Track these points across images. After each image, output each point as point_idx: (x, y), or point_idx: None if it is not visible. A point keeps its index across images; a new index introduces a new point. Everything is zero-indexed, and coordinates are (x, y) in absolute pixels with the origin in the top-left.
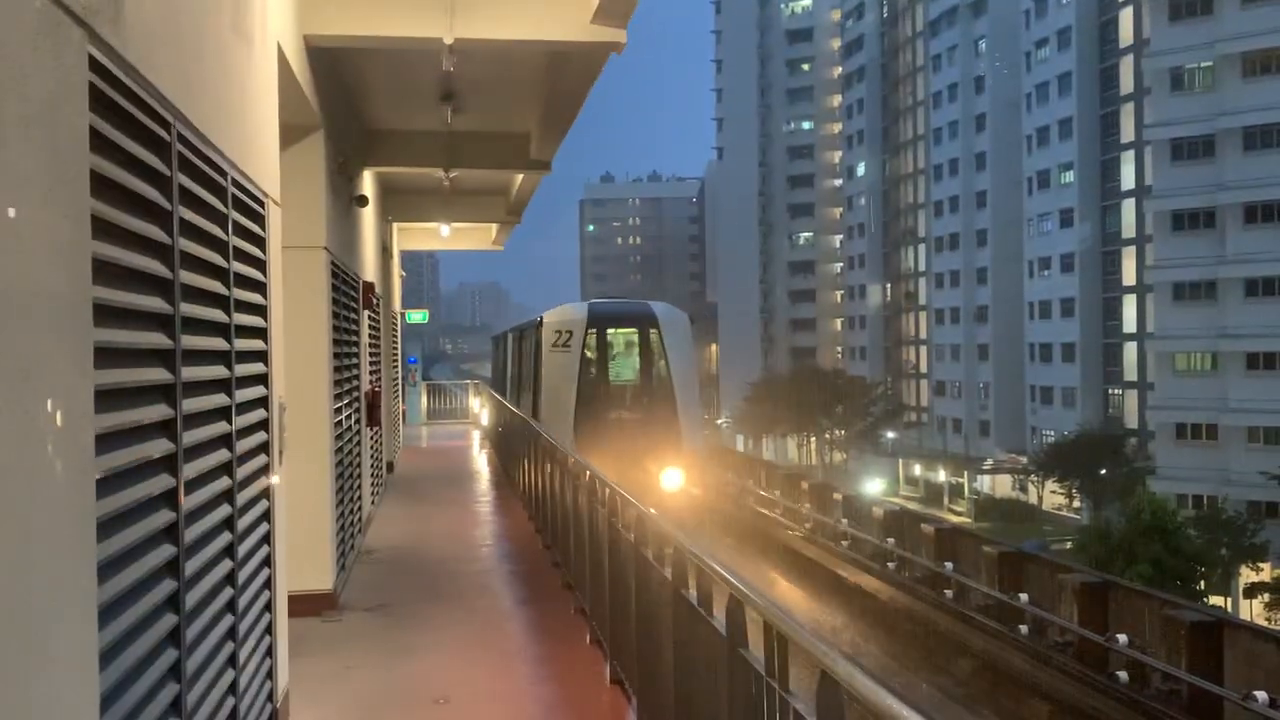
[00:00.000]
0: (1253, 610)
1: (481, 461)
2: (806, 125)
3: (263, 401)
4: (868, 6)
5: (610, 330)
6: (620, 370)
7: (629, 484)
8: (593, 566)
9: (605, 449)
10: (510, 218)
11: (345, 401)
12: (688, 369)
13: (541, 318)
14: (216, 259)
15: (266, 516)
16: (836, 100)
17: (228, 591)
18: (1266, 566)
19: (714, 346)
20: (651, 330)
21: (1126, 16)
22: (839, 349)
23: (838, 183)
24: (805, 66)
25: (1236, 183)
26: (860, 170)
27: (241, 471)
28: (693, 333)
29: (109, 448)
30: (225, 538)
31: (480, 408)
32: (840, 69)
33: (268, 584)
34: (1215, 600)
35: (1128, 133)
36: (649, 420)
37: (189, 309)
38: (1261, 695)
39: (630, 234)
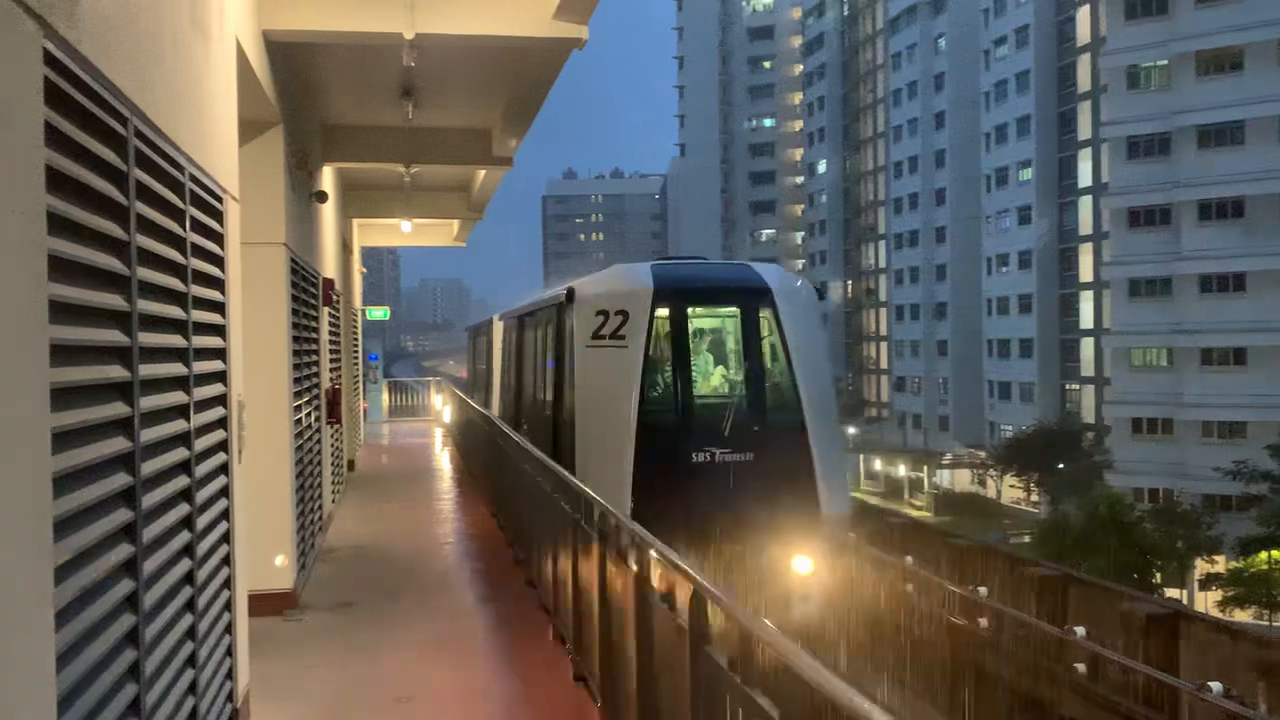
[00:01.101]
0: (1208, 602)
1: (444, 459)
2: (768, 122)
3: (221, 399)
4: (828, 4)
5: (693, 310)
6: (710, 378)
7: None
8: (555, 563)
9: (686, 517)
10: (472, 214)
11: (305, 399)
12: (822, 377)
13: (571, 290)
14: (174, 255)
15: (226, 515)
16: (798, 98)
17: (187, 590)
18: (1221, 559)
19: None
20: (762, 311)
21: (1084, 15)
22: None
23: (799, 180)
24: (766, 64)
25: (1191, 180)
26: (821, 167)
27: (200, 469)
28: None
29: (66, 446)
30: (184, 536)
31: (443, 405)
32: (801, 67)
33: (227, 583)
34: (1171, 593)
35: (1085, 130)
36: (762, 466)
37: (146, 306)
38: (1216, 686)
39: (593, 230)
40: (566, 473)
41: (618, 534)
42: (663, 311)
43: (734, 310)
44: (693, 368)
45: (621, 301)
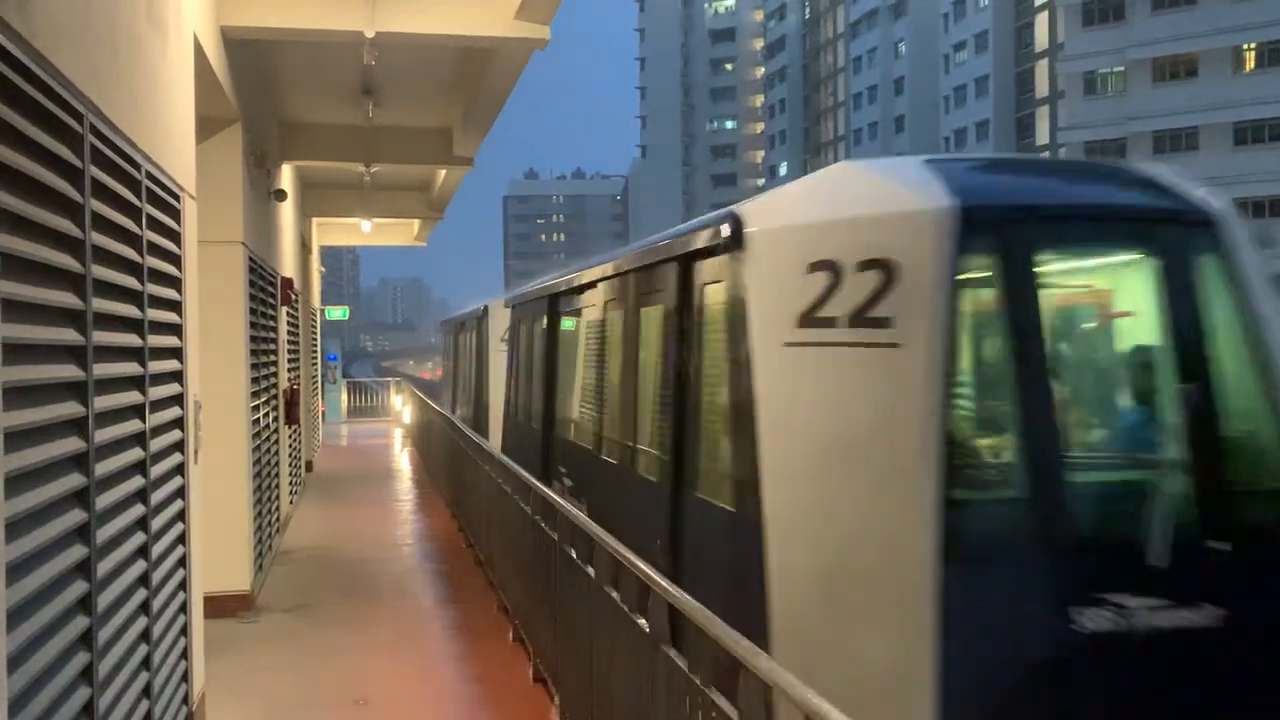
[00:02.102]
0: None
1: (403, 460)
2: (729, 124)
3: (177, 399)
4: (790, 7)
5: (1047, 258)
6: (1103, 416)
7: None
8: (515, 565)
9: None
10: (433, 213)
11: (263, 399)
12: None
13: (737, 220)
14: (130, 253)
15: (181, 516)
16: (759, 100)
17: (142, 593)
18: None
19: None
20: (1203, 261)
21: (1042, 21)
22: None
23: (760, 182)
24: (728, 66)
25: None
26: (783, 170)
27: (155, 470)
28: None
29: (18, 446)
30: (139, 538)
31: (402, 405)
32: (763, 69)
33: (183, 585)
34: None
35: (1043, 135)
36: (1241, 640)
37: (101, 304)
38: None
39: (554, 230)
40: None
41: (582, 538)
42: (979, 259)
43: (1142, 258)
44: (1060, 392)
45: (875, 240)
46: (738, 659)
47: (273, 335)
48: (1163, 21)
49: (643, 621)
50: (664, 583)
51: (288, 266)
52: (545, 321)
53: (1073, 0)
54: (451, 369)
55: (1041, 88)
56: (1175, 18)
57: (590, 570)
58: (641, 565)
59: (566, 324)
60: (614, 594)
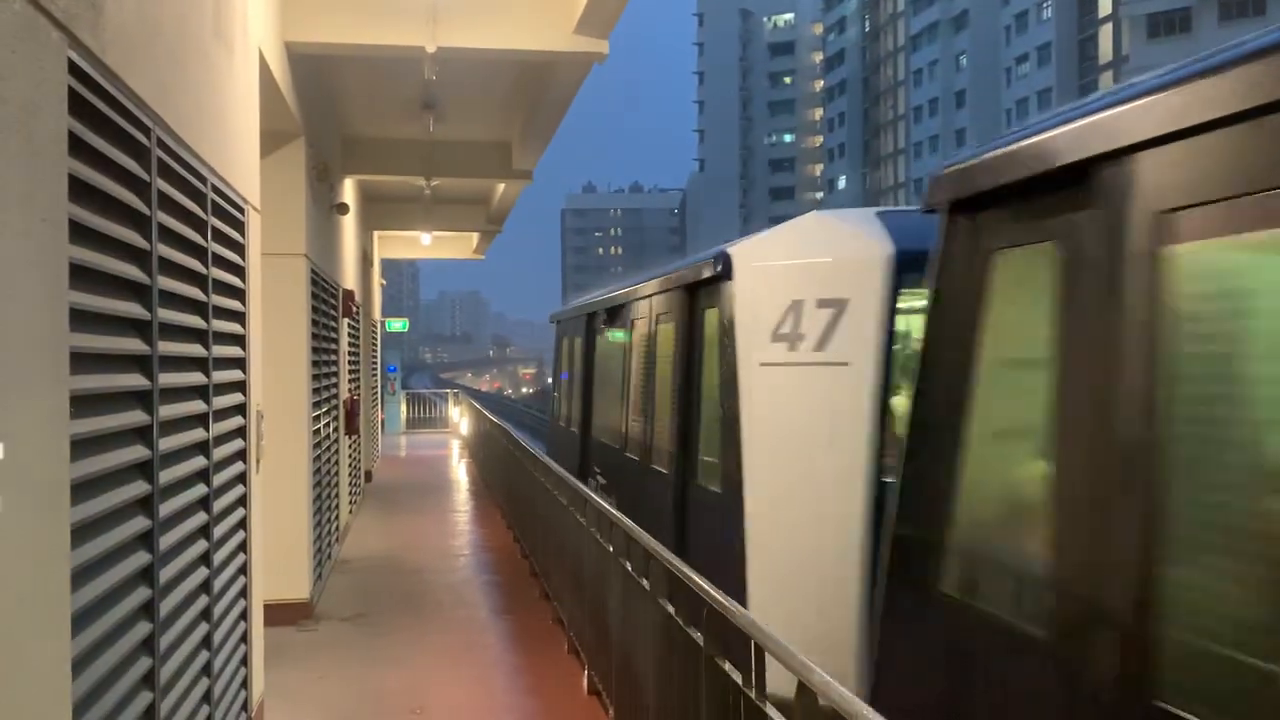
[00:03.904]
0: None
1: (461, 471)
2: (788, 138)
3: (240, 409)
4: (850, 20)
5: None
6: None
7: None
8: (571, 577)
9: None
10: (491, 226)
11: (324, 410)
12: None
13: None
14: (195, 265)
15: (243, 524)
16: (818, 113)
17: (203, 599)
18: None
19: None
20: None
21: (1106, 33)
22: None
23: (819, 195)
24: (787, 79)
25: None
26: (841, 183)
27: (218, 479)
28: None
29: (84, 453)
30: (201, 545)
31: (460, 417)
32: (822, 82)
33: (243, 592)
34: None
35: None
36: None
37: (167, 315)
38: None
39: (611, 244)
40: None
41: (638, 551)
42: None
43: None
44: None
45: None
46: (794, 672)
47: (334, 346)
48: (1230, 33)
49: (697, 635)
50: (718, 595)
51: (349, 279)
52: None
53: (1138, 12)
54: (575, 402)
55: None
56: (1243, 28)
57: (645, 582)
58: (696, 578)
59: None
60: (669, 606)
